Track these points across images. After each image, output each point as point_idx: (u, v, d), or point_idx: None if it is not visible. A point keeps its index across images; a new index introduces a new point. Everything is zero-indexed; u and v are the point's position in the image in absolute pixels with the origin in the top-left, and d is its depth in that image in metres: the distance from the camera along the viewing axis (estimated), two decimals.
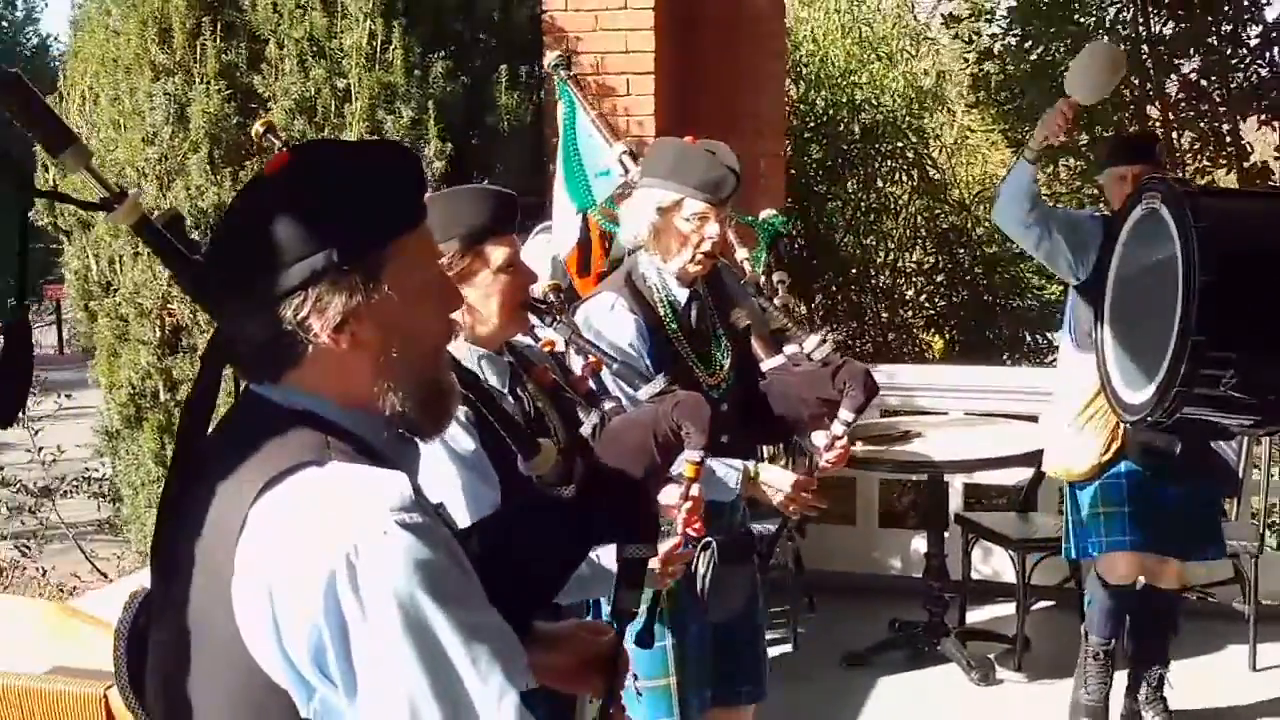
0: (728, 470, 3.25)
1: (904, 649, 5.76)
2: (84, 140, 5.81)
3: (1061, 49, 9.08)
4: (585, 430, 2.73)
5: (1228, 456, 5.15)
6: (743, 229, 4.35)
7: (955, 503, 6.50)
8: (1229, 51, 9.15)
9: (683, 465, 2.70)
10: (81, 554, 7.36)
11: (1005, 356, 9.59)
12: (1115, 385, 3.92)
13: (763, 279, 3.92)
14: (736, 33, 6.66)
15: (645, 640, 2.67)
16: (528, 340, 2.90)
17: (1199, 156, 9.26)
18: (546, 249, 4.52)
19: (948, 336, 10.13)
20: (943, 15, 10.62)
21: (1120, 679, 4.92)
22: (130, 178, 5.83)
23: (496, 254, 2.61)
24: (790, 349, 3.67)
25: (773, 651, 5.76)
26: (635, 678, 3.16)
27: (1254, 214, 3.79)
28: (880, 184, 10.06)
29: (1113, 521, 4.63)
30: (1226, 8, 9.01)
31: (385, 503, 1.47)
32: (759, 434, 3.76)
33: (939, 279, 10.17)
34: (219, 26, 5.80)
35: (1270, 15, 9.10)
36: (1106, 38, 8.90)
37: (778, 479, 3.32)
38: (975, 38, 10.19)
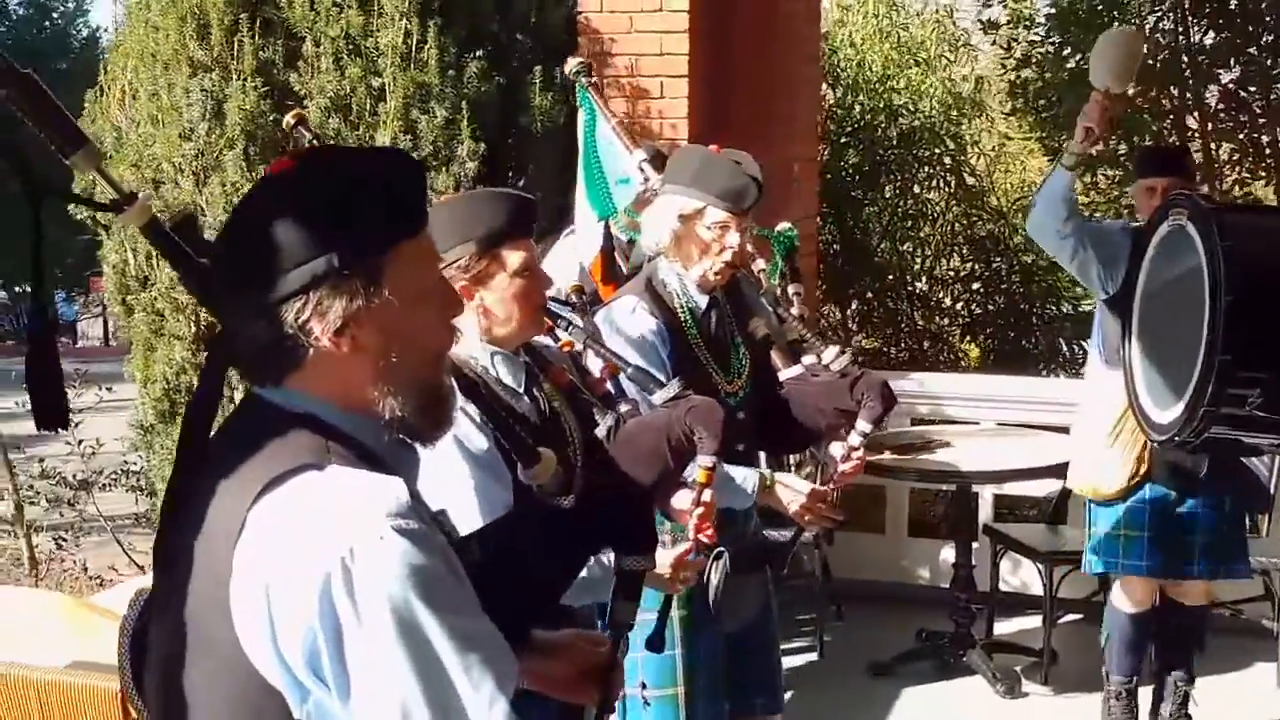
0: (745, 476, 3.25)
1: (930, 659, 5.72)
2: (123, 135, 5.81)
3: None
4: (600, 432, 2.73)
5: (1259, 472, 5.10)
6: (758, 240, 4.35)
7: (985, 513, 6.46)
8: (1269, 62, 9.06)
9: (696, 471, 2.70)
10: (119, 547, 7.42)
11: (1041, 367, 9.52)
12: (1143, 404, 3.89)
13: (779, 290, 3.92)
14: (771, 36, 6.65)
15: (655, 645, 2.67)
16: (547, 340, 2.91)
17: (1238, 168, 9.18)
18: (574, 253, 4.52)
19: (984, 345, 10.06)
20: (981, 21, 10.56)
21: (1145, 697, 4.88)
22: (167, 173, 5.89)
23: (513, 258, 2.61)
24: (808, 359, 3.67)
25: (798, 660, 5.79)
26: (644, 686, 3.16)
27: None
28: (917, 190, 10.00)
29: (1132, 545, 4.59)
30: (1268, 18, 8.93)
31: (382, 508, 1.48)
32: (779, 443, 3.75)
33: (975, 286, 10.11)
34: (257, 24, 5.85)
35: None
36: (1145, 45, 8.83)
37: (794, 488, 3.32)
38: (1014, 44, 10.13)
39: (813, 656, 5.86)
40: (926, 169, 9.94)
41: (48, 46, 27.26)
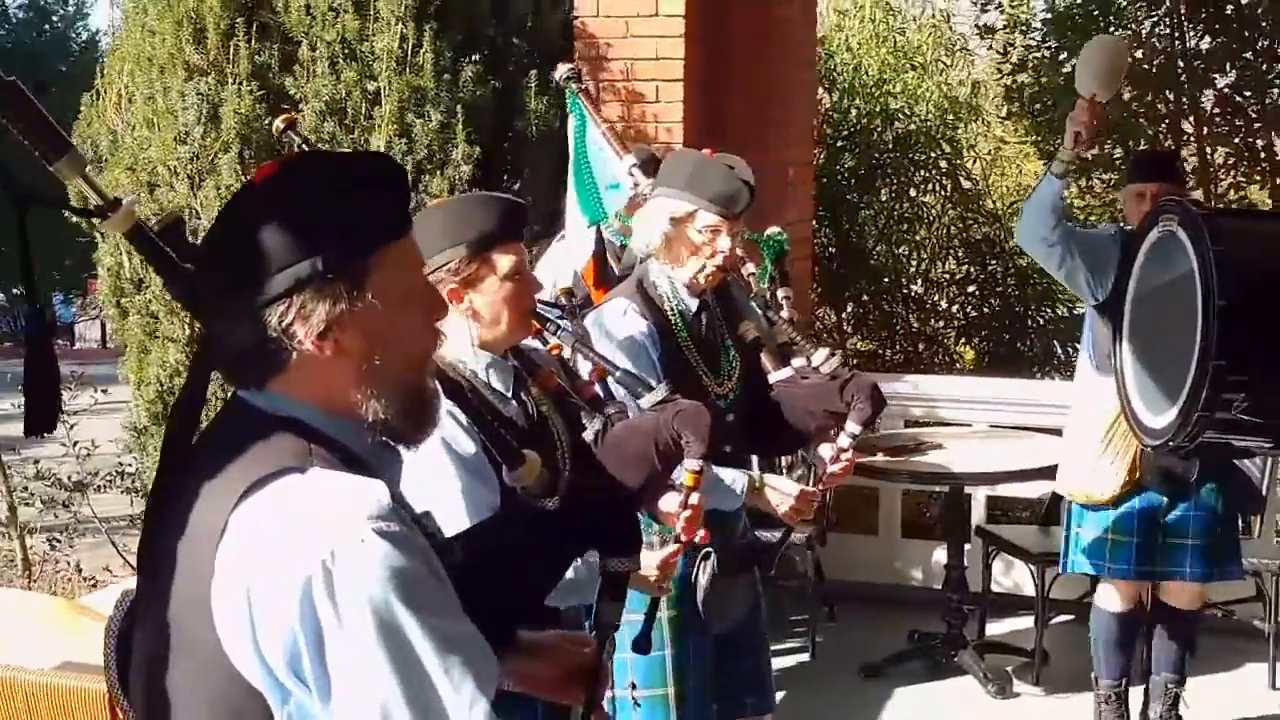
0: (734, 478, 3.26)
1: (922, 660, 5.74)
2: (119, 139, 5.81)
3: None
4: (588, 436, 2.74)
5: (1251, 474, 5.11)
6: (748, 245, 4.36)
7: (978, 515, 6.47)
8: (1265, 67, 9.08)
9: (683, 474, 2.71)
10: (114, 548, 7.42)
11: (1036, 369, 9.53)
12: (1136, 409, 3.89)
13: (768, 294, 3.93)
14: (766, 41, 6.67)
15: (642, 646, 2.68)
16: (535, 344, 2.92)
17: (1233, 172, 9.19)
18: (568, 256, 4.54)
19: (979, 347, 10.07)
20: (977, 26, 10.57)
21: (1136, 698, 4.89)
22: (162, 176, 5.90)
23: (503, 261, 2.62)
24: (798, 362, 3.68)
25: (791, 661, 5.80)
26: (634, 686, 3.17)
27: (1272, 235, 3.76)
28: (913, 193, 10.01)
29: (1119, 550, 4.60)
30: (1263, 23, 8.94)
31: (363, 511, 1.49)
32: (769, 445, 3.76)
33: (971, 289, 10.12)
34: (252, 28, 5.86)
35: None
36: (1140, 50, 8.86)
37: (783, 489, 3.33)
38: (1010, 49, 10.15)
39: (805, 657, 5.88)
40: (922, 173, 9.95)
41: (47, 50, 27.21)
